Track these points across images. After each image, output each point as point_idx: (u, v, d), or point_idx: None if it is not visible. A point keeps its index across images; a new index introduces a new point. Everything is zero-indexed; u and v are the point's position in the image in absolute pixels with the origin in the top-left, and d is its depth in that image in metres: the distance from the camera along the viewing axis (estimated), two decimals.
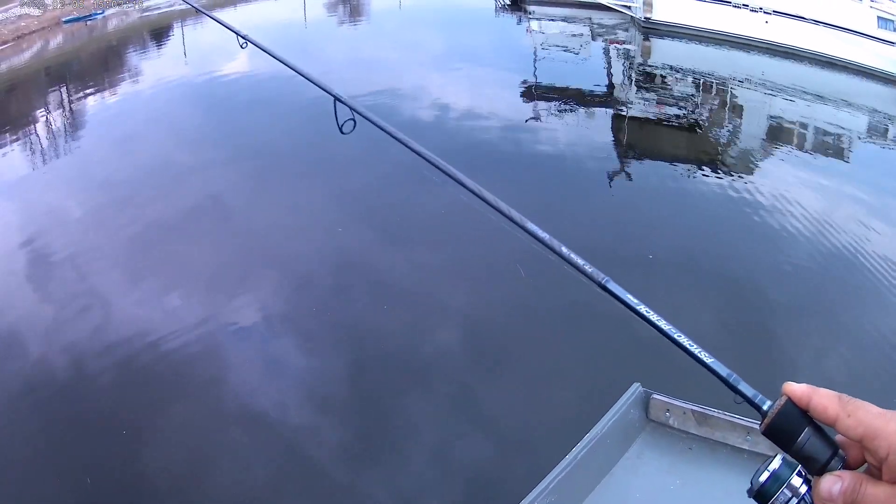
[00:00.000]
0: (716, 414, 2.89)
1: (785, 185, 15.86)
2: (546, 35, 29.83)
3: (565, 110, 20.62)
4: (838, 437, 1.12)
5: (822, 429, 1.13)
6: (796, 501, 1.15)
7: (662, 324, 1.36)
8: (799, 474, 1.16)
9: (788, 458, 1.17)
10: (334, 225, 12.68)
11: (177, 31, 32.39)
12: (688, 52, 27.88)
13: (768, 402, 1.20)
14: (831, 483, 1.07)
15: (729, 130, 20.94)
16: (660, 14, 28.42)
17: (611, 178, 16.13)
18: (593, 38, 29.62)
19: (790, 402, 1.14)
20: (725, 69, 26.09)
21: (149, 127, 18.56)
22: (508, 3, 34.17)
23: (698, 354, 1.30)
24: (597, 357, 9.01)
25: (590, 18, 30.95)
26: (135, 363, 8.90)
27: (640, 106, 22.32)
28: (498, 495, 6.51)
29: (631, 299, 1.43)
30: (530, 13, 32.84)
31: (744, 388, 1.25)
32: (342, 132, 2.39)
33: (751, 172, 17.29)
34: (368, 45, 27.54)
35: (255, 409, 8.06)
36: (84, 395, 8.61)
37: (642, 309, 1.40)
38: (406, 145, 2.06)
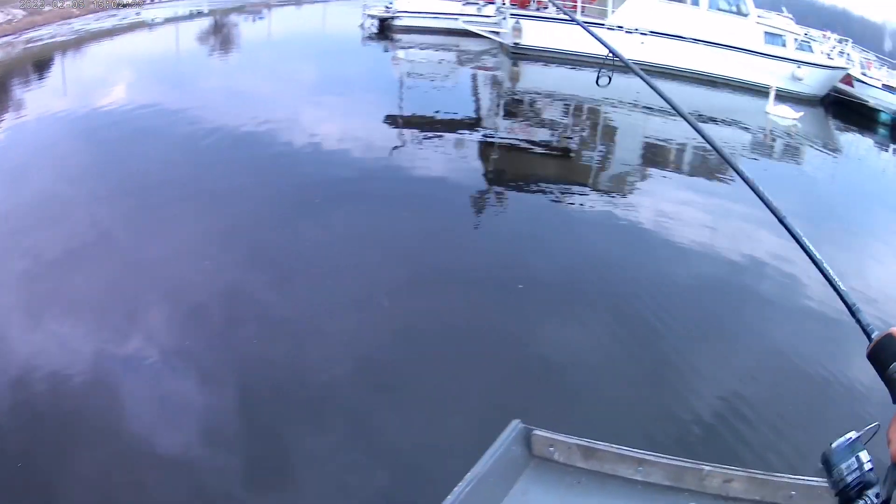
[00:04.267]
0: (603, 447, 2.86)
1: (662, 204, 15.46)
2: (412, 63, 28.95)
3: (432, 138, 19.49)
4: None
5: None
6: (858, 474, 1.33)
7: (814, 252, 1.75)
8: (867, 452, 1.37)
9: (862, 436, 1.38)
10: (212, 255, 11.69)
11: (58, 62, 30.56)
12: (558, 77, 27.42)
13: (876, 332, 1.46)
14: None
15: (602, 153, 20.39)
16: (529, 39, 27.83)
17: (479, 206, 14.93)
18: (460, 65, 28.94)
19: (892, 335, 1.39)
20: (598, 92, 25.35)
21: (32, 160, 16.70)
22: (376, 31, 33.52)
23: (836, 282, 1.65)
24: (479, 389, 8.47)
25: (458, 45, 30.44)
26: (22, 401, 8.16)
27: (508, 132, 21.52)
28: None
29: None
30: (397, 41, 32.09)
31: (861, 317, 1.56)
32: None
33: (625, 194, 16.79)
34: (242, 78, 26.16)
35: (150, 444, 7.56)
36: None
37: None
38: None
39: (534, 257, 12.04)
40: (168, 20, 36.59)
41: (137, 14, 37.66)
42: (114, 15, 37.29)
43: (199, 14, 38.78)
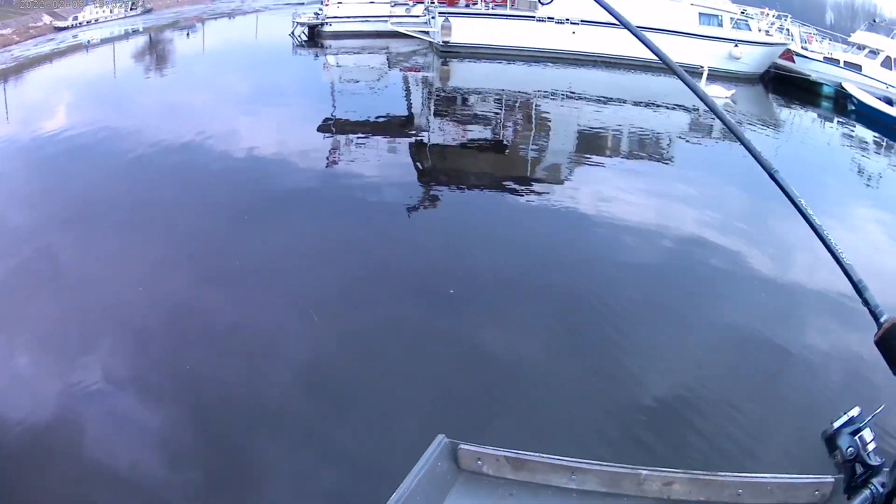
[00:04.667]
0: (533, 458, 2.69)
1: (596, 192, 15.41)
2: (343, 68, 28.77)
3: (366, 142, 19.25)
4: None
5: None
6: (861, 455, 1.27)
7: (815, 219, 1.52)
8: (871, 430, 1.28)
9: (865, 413, 1.30)
10: (150, 274, 11.45)
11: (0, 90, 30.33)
12: (489, 72, 27.25)
13: (885, 316, 1.32)
14: None
15: (536, 145, 20.16)
16: (459, 36, 27.61)
17: (413, 208, 14.66)
18: (390, 68, 28.72)
19: None
20: (530, 85, 25.41)
21: None
22: (306, 38, 33.26)
23: (839, 254, 1.45)
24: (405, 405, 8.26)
25: (387, 48, 30.33)
26: None
27: (440, 131, 21.29)
28: None
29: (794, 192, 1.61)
30: (327, 47, 31.91)
31: (869, 296, 1.36)
32: None
33: (561, 182, 16.69)
34: (177, 93, 25.95)
35: (112, 469, 7.47)
36: None
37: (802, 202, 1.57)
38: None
39: (467, 258, 11.84)
40: (104, 40, 36.38)
41: (75, 37, 37.47)
42: (52, 39, 37.09)
43: (135, 32, 38.60)
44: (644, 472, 2.59)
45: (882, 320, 1.29)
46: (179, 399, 8.72)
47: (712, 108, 1.81)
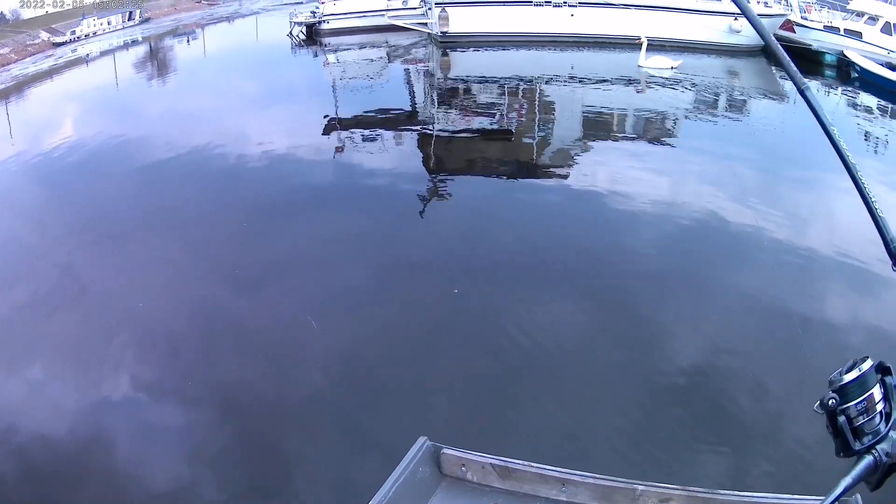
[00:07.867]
0: (521, 467, 2.62)
1: (607, 171, 15.52)
2: (343, 65, 28.77)
3: (370, 138, 19.16)
4: None
5: None
6: (866, 418, 1.18)
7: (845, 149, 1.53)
8: (882, 386, 1.20)
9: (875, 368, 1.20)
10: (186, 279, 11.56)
11: (1, 110, 30.26)
12: (489, 60, 27.20)
13: None
14: None
15: (542, 129, 20.14)
16: (457, 26, 27.53)
17: (423, 201, 14.62)
18: (390, 61, 28.72)
19: None
20: (531, 70, 25.32)
21: None
22: (304, 38, 33.25)
23: (872, 203, 1.40)
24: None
25: (386, 41, 30.25)
26: (16, 454, 7.87)
27: (445, 122, 21.22)
28: None
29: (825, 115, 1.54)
30: (326, 45, 31.90)
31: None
32: None
33: (570, 166, 16.58)
34: (181, 101, 25.94)
35: (150, 480, 7.36)
36: None
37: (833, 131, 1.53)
38: None
39: (481, 245, 11.92)
40: (104, 53, 36.34)
41: (74, 51, 37.38)
42: (50, 55, 37.01)
43: (134, 42, 38.55)
44: (640, 486, 2.52)
45: None
46: (220, 392, 8.67)
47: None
